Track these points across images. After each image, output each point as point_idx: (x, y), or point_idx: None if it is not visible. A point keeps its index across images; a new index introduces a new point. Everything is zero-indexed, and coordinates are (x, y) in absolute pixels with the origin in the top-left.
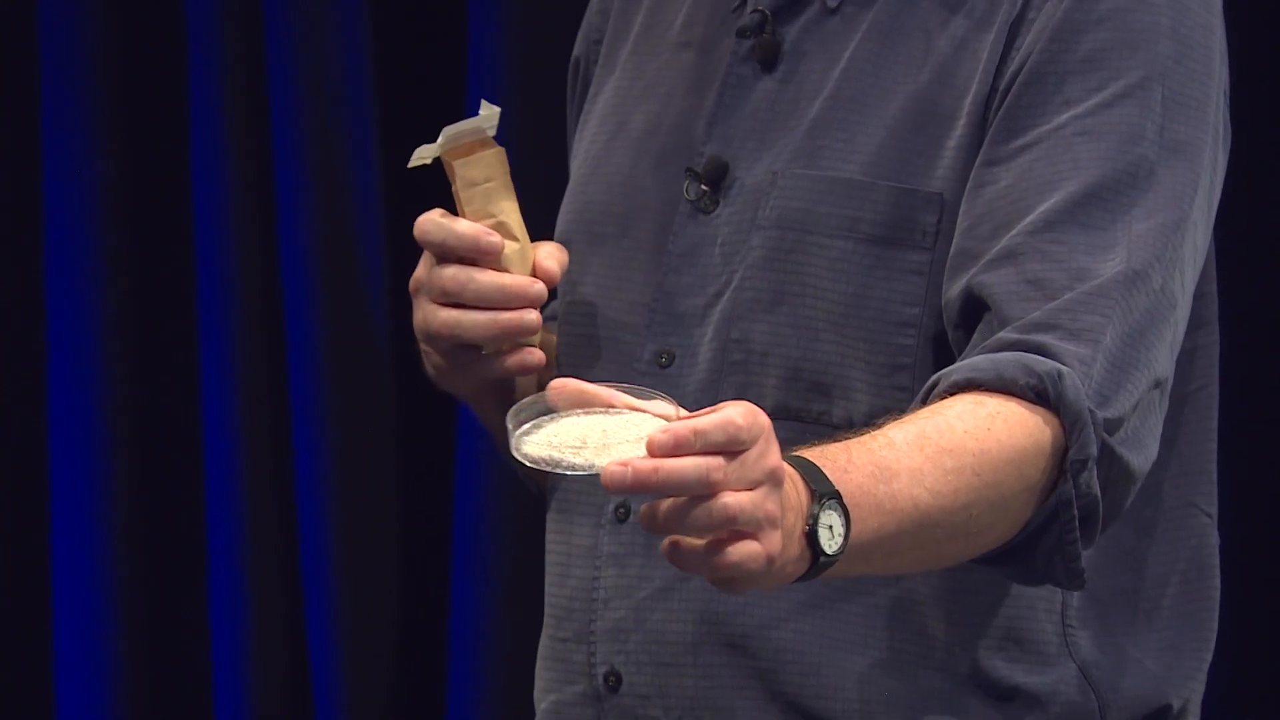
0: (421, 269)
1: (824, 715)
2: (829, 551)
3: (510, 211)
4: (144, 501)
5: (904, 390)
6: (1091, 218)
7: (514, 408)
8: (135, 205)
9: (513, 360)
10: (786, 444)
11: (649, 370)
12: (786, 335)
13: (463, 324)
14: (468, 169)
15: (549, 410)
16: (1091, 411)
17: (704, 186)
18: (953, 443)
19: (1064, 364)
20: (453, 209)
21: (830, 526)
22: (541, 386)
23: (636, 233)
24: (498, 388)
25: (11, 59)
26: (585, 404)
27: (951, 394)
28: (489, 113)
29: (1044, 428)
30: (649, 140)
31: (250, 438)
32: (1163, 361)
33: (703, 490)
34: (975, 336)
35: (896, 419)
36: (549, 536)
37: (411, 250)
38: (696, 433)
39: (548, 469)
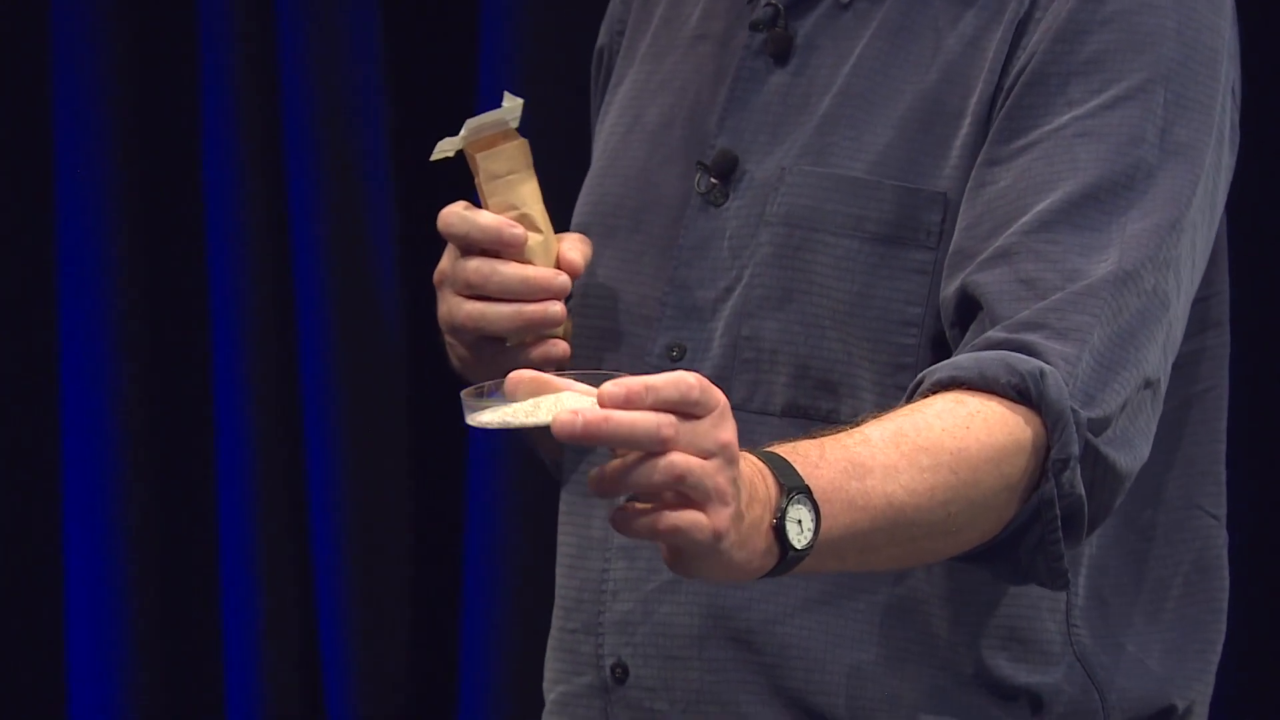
0: (445, 261)
1: (826, 711)
2: (798, 546)
3: (533, 203)
4: (156, 499)
5: (906, 390)
6: (1087, 219)
7: (473, 387)
8: (148, 205)
9: (537, 352)
10: None
11: (660, 363)
12: (795, 333)
13: (487, 316)
14: (490, 161)
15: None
16: (1075, 411)
17: (714, 179)
18: (930, 440)
19: (1049, 363)
20: (473, 202)
21: (799, 521)
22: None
23: (649, 226)
24: None
25: (25, 60)
26: (543, 392)
27: (935, 392)
28: (512, 105)
29: (1025, 427)
30: (664, 134)
31: (262, 435)
32: (1154, 362)
33: (653, 446)
34: (968, 335)
35: (875, 416)
36: (561, 528)
37: (423, 249)
38: (649, 388)
39: (499, 427)
